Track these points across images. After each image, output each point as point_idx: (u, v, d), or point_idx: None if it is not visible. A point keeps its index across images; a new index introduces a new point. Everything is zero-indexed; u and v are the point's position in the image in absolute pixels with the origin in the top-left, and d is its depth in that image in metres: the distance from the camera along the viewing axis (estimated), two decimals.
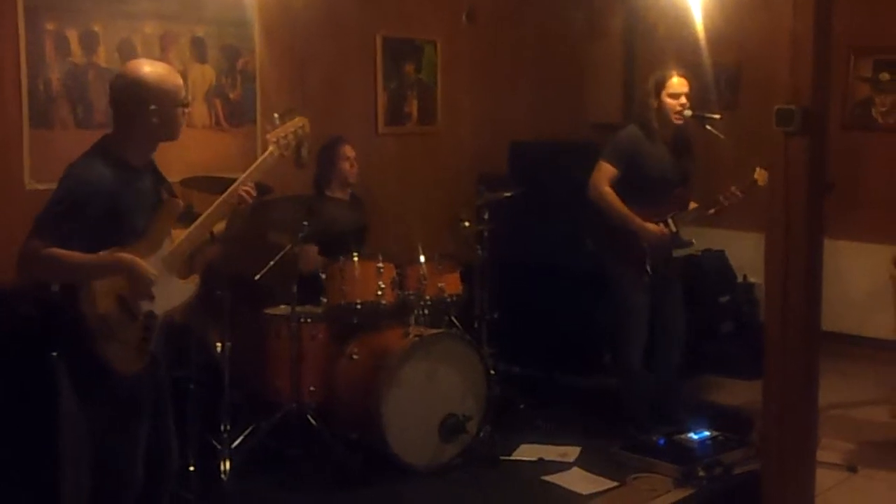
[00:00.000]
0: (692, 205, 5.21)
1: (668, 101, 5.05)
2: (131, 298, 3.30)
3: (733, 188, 5.05)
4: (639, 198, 5.05)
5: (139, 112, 3.32)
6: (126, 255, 3.25)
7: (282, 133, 3.64)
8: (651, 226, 5.06)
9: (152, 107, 3.31)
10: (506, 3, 7.11)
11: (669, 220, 5.10)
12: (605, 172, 5.07)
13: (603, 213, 5.09)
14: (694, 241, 5.37)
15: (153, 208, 3.41)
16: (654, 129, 5.11)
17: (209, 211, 3.50)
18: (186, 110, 3.45)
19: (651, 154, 5.10)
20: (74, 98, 5.01)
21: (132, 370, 3.33)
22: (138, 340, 3.33)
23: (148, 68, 3.39)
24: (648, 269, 5.07)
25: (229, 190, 3.50)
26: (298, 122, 3.70)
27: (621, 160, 5.07)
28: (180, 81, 3.44)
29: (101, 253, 3.22)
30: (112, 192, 3.24)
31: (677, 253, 5.27)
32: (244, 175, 3.53)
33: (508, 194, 5.54)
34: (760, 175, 4.86)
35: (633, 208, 5.05)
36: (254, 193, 3.54)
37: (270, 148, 3.61)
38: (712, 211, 5.16)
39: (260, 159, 3.60)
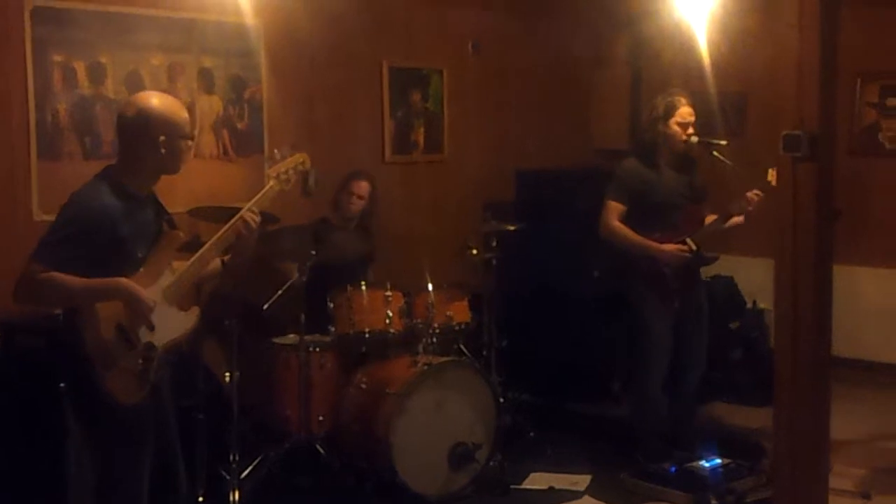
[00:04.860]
0: (709, 219, 5.18)
1: (676, 128, 5.06)
2: (130, 327, 3.30)
3: (752, 192, 5.01)
4: (653, 224, 5.05)
5: (147, 143, 3.35)
6: (124, 280, 3.26)
7: (282, 168, 3.69)
8: (667, 246, 5.04)
9: (161, 138, 3.34)
10: (511, 32, 7.14)
11: (688, 240, 5.08)
12: (613, 210, 5.08)
13: (620, 249, 5.08)
14: (718, 256, 5.33)
15: (154, 239, 3.43)
16: (656, 155, 5.11)
17: (208, 244, 3.51)
18: (191, 143, 3.48)
19: (654, 181, 5.10)
20: (82, 129, 5.03)
21: (132, 400, 3.32)
22: (138, 371, 3.33)
23: (157, 100, 3.41)
24: (674, 294, 5.05)
25: (230, 223, 3.52)
26: (299, 158, 3.75)
27: (626, 195, 5.07)
28: (187, 115, 3.48)
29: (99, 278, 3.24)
30: (114, 222, 3.25)
31: (703, 272, 5.24)
32: (244, 209, 3.55)
33: (513, 227, 5.54)
34: (773, 175, 4.79)
35: (649, 236, 5.04)
36: (258, 220, 3.55)
37: (271, 183, 3.66)
38: (740, 219, 5.11)
39: (260, 194, 3.62)
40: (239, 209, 3.59)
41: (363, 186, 5.57)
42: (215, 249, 3.53)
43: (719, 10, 5.94)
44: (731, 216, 5.11)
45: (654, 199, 5.07)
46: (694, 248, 5.06)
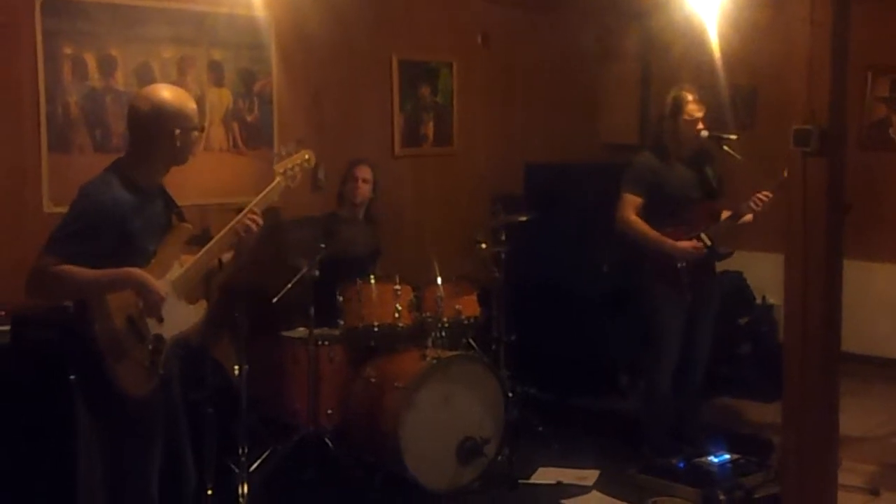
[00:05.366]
0: (724, 214, 5.18)
1: (685, 124, 5.05)
2: (140, 318, 3.32)
3: (761, 193, 5.01)
4: (666, 219, 5.04)
5: (161, 136, 3.36)
6: (136, 270, 3.27)
7: (288, 165, 3.73)
8: (682, 243, 5.03)
9: (177, 131, 3.35)
10: (521, 25, 7.14)
11: (703, 235, 5.07)
12: (630, 203, 5.07)
13: (635, 242, 5.08)
14: (733, 251, 5.32)
15: (163, 232, 3.44)
16: (668, 150, 5.12)
17: (216, 238, 3.53)
18: (202, 134, 3.49)
19: (668, 175, 5.10)
20: (92, 122, 5.04)
21: (141, 392, 3.33)
22: (147, 363, 3.34)
23: (169, 93, 3.42)
24: (687, 289, 5.04)
25: (237, 218, 3.53)
26: (304, 155, 3.78)
27: (642, 188, 5.07)
28: (195, 105, 3.49)
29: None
30: (124, 215, 3.26)
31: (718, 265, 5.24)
32: (251, 205, 3.57)
33: (524, 218, 5.53)
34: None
35: (663, 231, 5.03)
36: (260, 222, 3.56)
37: (277, 179, 3.68)
38: (749, 217, 5.11)
39: (266, 190, 3.64)
40: (245, 204, 3.61)
41: (366, 171, 5.57)
42: (224, 243, 3.54)
43: (729, 3, 5.91)
44: (742, 215, 5.11)
45: (666, 192, 5.07)
46: (708, 243, 5.05)
